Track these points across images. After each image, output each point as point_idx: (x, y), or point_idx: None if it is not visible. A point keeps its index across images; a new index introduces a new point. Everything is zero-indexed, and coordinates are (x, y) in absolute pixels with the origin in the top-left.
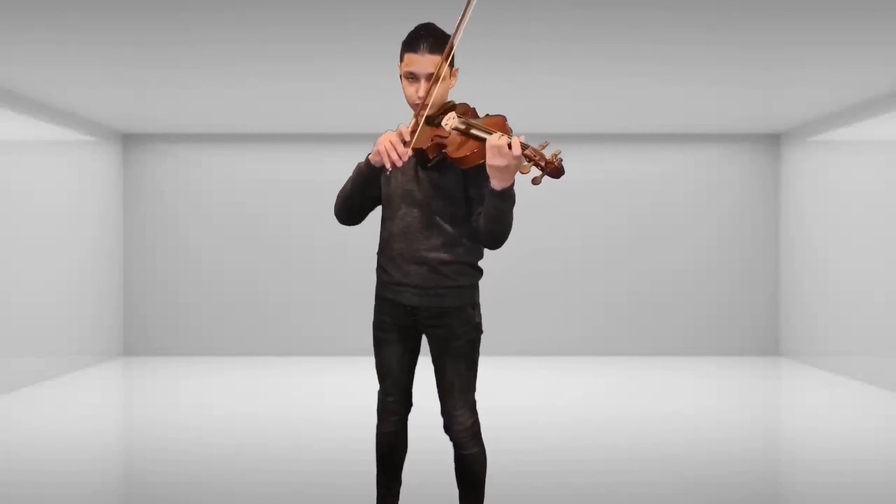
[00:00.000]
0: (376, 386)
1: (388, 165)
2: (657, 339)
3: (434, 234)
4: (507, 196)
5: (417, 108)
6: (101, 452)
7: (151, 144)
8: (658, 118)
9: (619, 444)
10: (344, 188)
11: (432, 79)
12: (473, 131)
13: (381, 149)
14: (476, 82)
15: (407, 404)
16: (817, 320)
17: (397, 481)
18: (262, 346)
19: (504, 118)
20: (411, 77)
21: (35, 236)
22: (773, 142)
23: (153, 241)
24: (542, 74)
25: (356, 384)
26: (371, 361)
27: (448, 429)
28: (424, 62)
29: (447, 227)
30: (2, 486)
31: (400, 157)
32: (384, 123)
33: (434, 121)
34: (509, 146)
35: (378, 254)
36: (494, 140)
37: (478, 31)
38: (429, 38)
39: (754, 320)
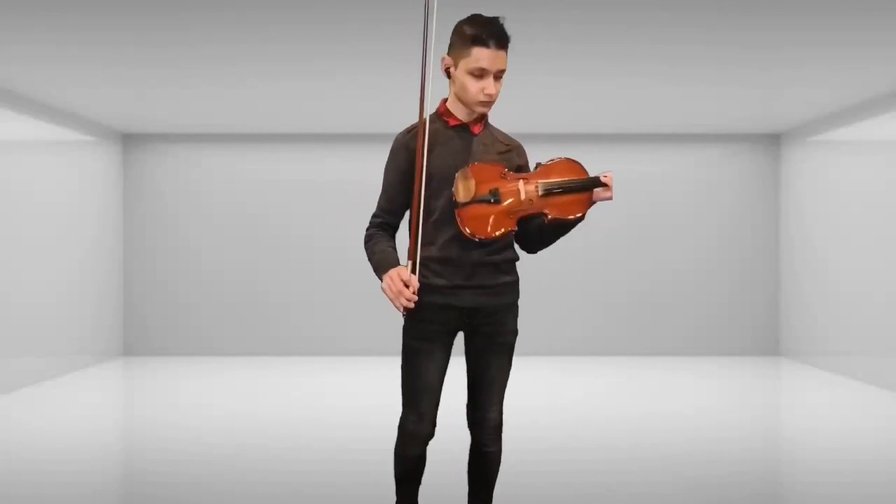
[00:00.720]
0: (376, 385)
1: (402, 311)
2: (657, 339)
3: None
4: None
5: (482, 105)
6: (101, 452)
7: (151, 144)
8: (658, 118)
9: (619, 444)
10: (368, 257)
11: (501, 78)
12: (566, 189)
13: (390, 296)
14: None
15: (435, 423)
16: (817, 320)
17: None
18: (262, 346)
19: (567, 160)
20: (480, 73)
21: (35, 236)
22: (773, 142)
23: (153, 241)
24: (542, 74)
25: (356, 384)
26: (371, 361)
27: (475, 425)
28: (496, 58)
29: None
30: (2, 486)
31: (409, 301)
32: (384, 123)
33: (494, 198)
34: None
35: (416, 255)
36: (610, 182)
37: None
38: (495, 33)
39: (754, 320)
